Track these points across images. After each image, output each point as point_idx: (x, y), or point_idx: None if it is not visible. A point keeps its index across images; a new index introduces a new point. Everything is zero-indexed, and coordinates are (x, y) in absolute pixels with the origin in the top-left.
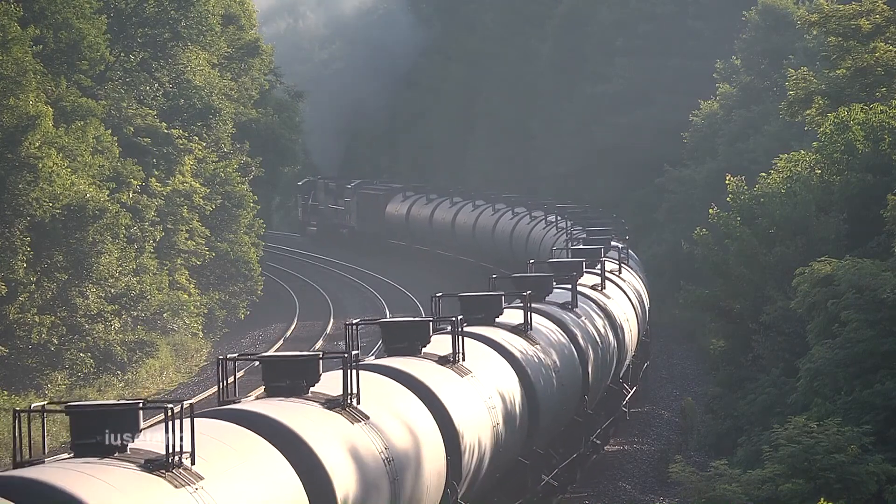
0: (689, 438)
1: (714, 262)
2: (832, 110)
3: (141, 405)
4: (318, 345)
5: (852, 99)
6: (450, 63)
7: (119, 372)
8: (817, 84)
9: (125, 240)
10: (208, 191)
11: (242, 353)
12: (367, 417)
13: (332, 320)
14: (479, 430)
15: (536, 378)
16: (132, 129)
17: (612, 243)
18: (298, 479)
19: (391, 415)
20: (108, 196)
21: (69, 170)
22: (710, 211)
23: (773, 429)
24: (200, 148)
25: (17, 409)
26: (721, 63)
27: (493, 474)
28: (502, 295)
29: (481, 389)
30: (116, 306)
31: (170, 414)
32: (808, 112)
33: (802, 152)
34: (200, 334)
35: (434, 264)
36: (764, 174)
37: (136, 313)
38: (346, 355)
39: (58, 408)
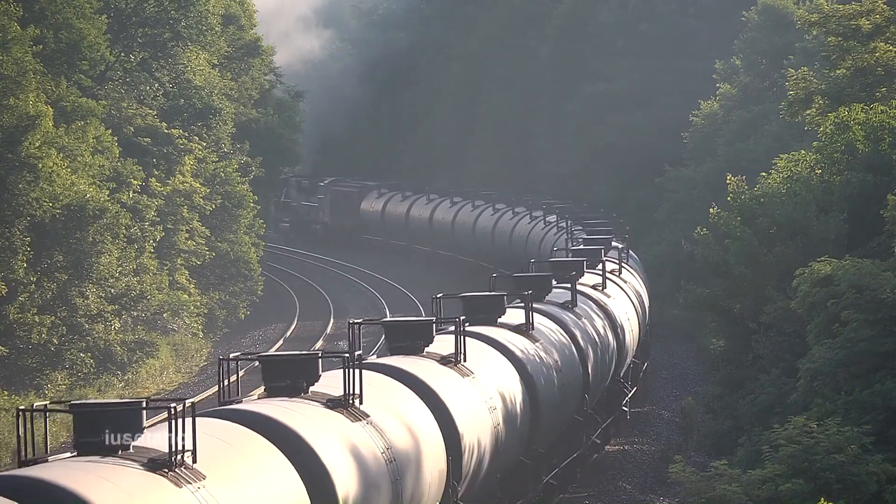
0: (689, 438)
1: (714, 262)
2: (832, 110)
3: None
4: (319, 344)
5: (852, 99)
6: (450, 63)
7: (119, 372)
8: (817, 84)
9: (125, 240)
10: (208, 191)
11: (366, 319)
12: (472, 373)
13: (332, 320)
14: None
15: (588, 356)
16: (132, 129)
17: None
18: (436, 421)
19: (489, 371)
20: (108, 196)
21: (69, 170)
22: (711, 211)
23: (773, 429)
24: (200, 148)
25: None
26: (721, 63)
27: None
28: (550, 276)
29: (549, 350)
30: (116, 306)
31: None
32: (808, 112)
33: (802, 152)
34: (200, 334)
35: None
36: (764, 174)
37: (136, 313)
38: (458, 319)
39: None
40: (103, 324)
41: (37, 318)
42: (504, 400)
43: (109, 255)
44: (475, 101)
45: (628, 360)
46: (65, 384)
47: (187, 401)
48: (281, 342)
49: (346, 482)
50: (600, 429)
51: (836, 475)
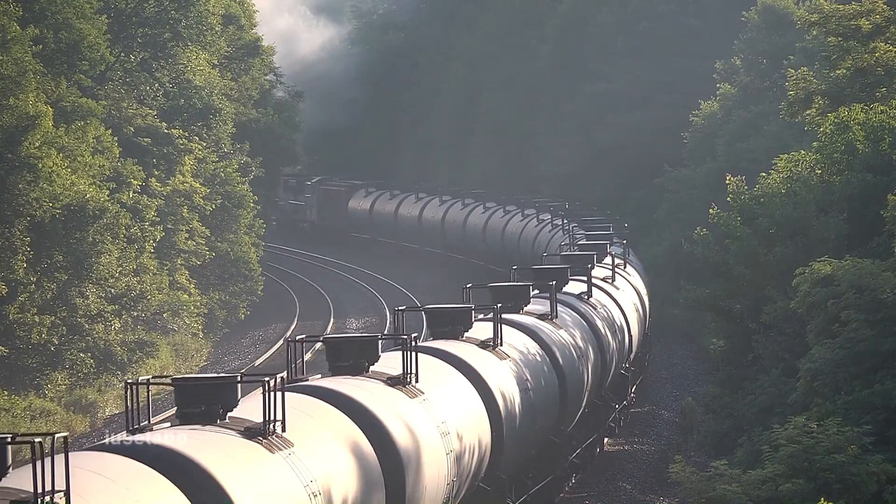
0: (689, 438)
1: (714, 262)
2: (832, 110)
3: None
4: (318, 345)
5: (852, 99)
6: (450, 63)
7: (119, 372)
8: (817, 84)
9: (125, 240)
10: (208, 191)
11: (409, 307)
12: (509, 356)
13: (332, 320)
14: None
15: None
16: (132, 129)
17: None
18: (481, 400)
19: (523, 355)
20: (108, 196)
21: (69, 170)
22: (710, 211)
23: (773, 429)
24: (200, 148)
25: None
26: (721, 63)
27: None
28: (568, 269)
29: (572, 335)
30: (116, 306)
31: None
32: (808, 112)
33: (802, 152)
34: (200, 334)
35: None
36: (764, 174)
37: (136, 313)
38: (495, 307)
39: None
40: (103, 324)
41: (37, 318)
42: (537, 381)
43: (109, 255)
44: (475, 101)
45: (635, 350)
46: (65, 384)
47: (278, 376)
48: (281, 342)
49: (408, 452)
50: (615, 412)
51: (836, 475)
